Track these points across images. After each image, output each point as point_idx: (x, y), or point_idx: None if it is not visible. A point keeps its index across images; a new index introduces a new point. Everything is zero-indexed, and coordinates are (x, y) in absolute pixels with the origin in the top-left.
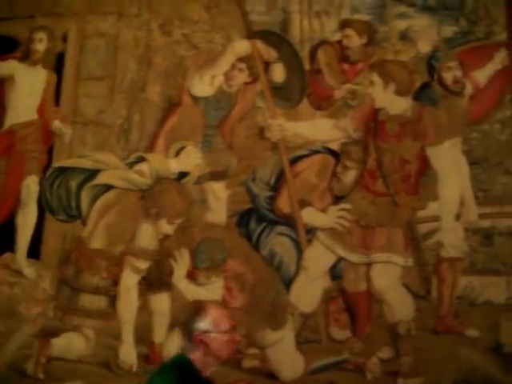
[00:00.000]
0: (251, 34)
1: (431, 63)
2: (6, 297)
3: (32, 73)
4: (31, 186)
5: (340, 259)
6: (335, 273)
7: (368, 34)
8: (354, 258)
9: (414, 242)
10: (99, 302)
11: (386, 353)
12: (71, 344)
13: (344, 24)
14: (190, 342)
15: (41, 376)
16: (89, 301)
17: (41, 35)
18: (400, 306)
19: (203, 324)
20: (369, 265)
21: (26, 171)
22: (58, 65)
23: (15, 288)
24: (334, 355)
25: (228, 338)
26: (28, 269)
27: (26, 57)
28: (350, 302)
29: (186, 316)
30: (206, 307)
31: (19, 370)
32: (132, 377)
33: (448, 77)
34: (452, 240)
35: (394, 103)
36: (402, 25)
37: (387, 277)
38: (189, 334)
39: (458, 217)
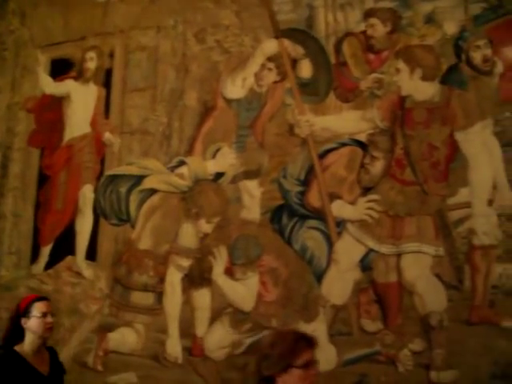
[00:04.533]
0: (278, 34)
1: (458, 44)
2: (68, 296)
3: (85, 89)
4: (87, 194)
5: (370, 251)
6: (365, 264)
7: (392, 21)
8: (384, 248)
9: (444, 231)
10: (148, 298)
11: (417, 345)
12: (124, 338)
13: (368, 14)
14: None
15: (99, 368)
16: (139, 298)
17: (91, 54)
18: (432, 296)
19: None
20: (399, 255)
21: (83, 180)
22: (106, 80)
23: (76, 288)
24: (366, 347)
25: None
26: (87, 270)
27: (80, 75)
28: (381, 294)
29: None
30: None
31: (81, 363)
32: (177, 368)
33: (477, 56)
34: (485, 227)
35: (421, 89)
36: (427, 8)
37: (418, 267)
38: None
39: (490, 202)
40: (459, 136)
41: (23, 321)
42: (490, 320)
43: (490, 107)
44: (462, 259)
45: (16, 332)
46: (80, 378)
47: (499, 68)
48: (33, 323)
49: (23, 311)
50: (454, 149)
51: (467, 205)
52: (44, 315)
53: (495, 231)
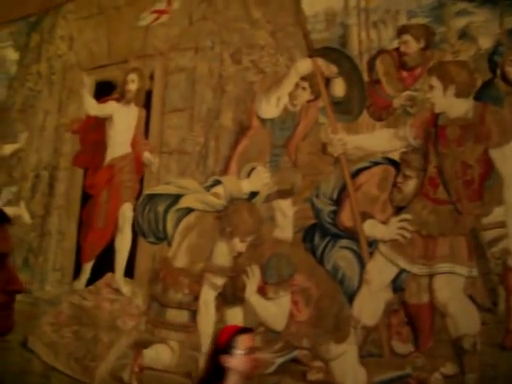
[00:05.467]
0: (312, 53)
1: (493, 59)
2: (107, 312)
3: (126, 111)
4: (126, 212)
5: (402, 271)
6: (397, 285)
7: (426, 37)
8: (416, 269)
9: (478, 251)
10: (182, 316)
11: (449, 368)
12: (159, 355)
13: (401, 30)
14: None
15: (135, 383)
16: (174, 315)
17: (133, 76)
18: (464, 319)
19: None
20: (431, 276)
21: (123, 199)
22: (146, 101)
23: (115, 304)
24: (397, 370)
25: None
26: (125, 287)
27: (122, 97)
28: (413, 315)
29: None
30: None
31: (118, 378)
32: None
33: None
34: None
35: (455, 106)
36: (461, 23)
37: (450, 288)
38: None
39: None
40: (494, 153)
41: (224, 358)
42: None
43: None
44: (496, 281)
45: (216, 372)
46: None
47: None
48: (237, 361)
49: (224, 346)
50: (489, 167)
51: (502, 224)
52: (249, 351)
53: None
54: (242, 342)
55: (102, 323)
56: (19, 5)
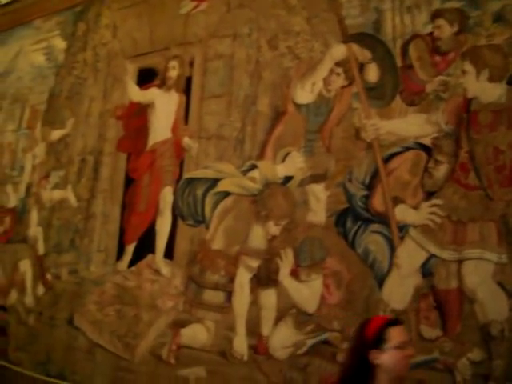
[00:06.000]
0: (347, 38)
1: None
2: (148, 292)
3: (167, 97)
4: (167, 195)
5: (431, 256)
6: (426, 270)
7: (459, 21)
8: (445, 254)
9: (508, 237)
10: (218, 297)
11: (477, 354)
12: (196, 334)
13: (435, 15)
14: None
15: (172, 361)
16: (210, 296)
17: (174, 63)
18: (493, 305)
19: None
20: (460, 262)
21: (163, 183)
22: (187, 87)
23: (155, 285)
24: (424, 354)
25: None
26: (165, 268)
27: (163, 84)
28: (441, 300)
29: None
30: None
31: (157, 356)
32: (243, 365)
33: None
34: None
35: (488, 91)
36: (495, 6)
37: (479, 274)
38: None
39: None
40: None
41: (374, 354)
42: None
43: None
44: None
45: (363, 370)
46: (155, 369)
47: None
48: (389, 357)
49: (373, 340)
50: None
51: None
52: (403, 346)
53: None
54: (395, 336)
55: (142, 303)
56: None
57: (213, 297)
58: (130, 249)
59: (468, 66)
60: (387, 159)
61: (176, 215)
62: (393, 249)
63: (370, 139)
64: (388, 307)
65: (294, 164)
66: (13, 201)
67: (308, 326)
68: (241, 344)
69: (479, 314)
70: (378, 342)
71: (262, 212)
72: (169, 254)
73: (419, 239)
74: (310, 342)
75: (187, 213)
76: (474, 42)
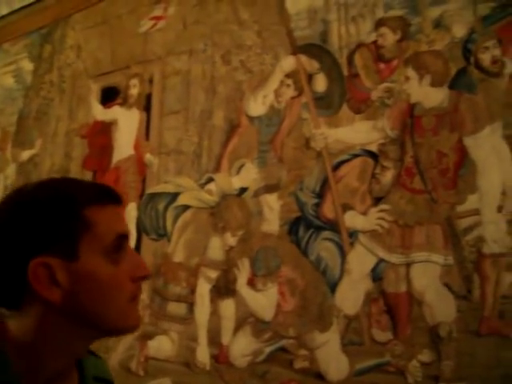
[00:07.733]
0: (295, 50)
1: (467, 47)
2: None
3: (129, 114)
4: (131, 211)
5: (381, 260)
6: (376, 274)
7: (402, 28)
8: (394, 258)
9: (453, 239)
10: (181, 308)
11: (426, 356)
12: (161, 346)
13: (378, 23)
14: None
15: (141, 373)
16: (174, 308)
17: (134, 81)
18: (441, 306)
19: None
20: (408, 265)
21: (128, 199)
22: (147, 104)
23: None
24: (377, 357)
25: None
26: None
27: (125, 101)
28: (391, 304)
29: None
30: None
31: (126, 368)
32: (205, 375)
33: (485, 58)
34: (494, 234)
35: (430, 96)
36: (435, 12)
37: (427, 276)
38: None
39: (500, 208)
40: (468, 141)
41: None
42: (499, 331)
43: (499, 110)
44: (470, 268)
45: None
46: (125, 381)
47: (509, 69)
48: None
49: None
50: (463, 155)
51: (476, 212)
52: None
53: (505, 239)
54: None
55: None
56: (33, 18)
57: (176, 308)
58: None
59: (411, 72)
60: (336, 167)
61: (140, 230)
62: (344, 255)
63: (320, 148)
64: (341, 312)
65: (249, 175)
66: None
67: (265, 334)
68: (203, 354)
69: (428, 316)
70: None
71: (220, 224)
72: None
73: (368, 244)
74: (268, 349)
75: (150, 227)
76: (416, 49)
